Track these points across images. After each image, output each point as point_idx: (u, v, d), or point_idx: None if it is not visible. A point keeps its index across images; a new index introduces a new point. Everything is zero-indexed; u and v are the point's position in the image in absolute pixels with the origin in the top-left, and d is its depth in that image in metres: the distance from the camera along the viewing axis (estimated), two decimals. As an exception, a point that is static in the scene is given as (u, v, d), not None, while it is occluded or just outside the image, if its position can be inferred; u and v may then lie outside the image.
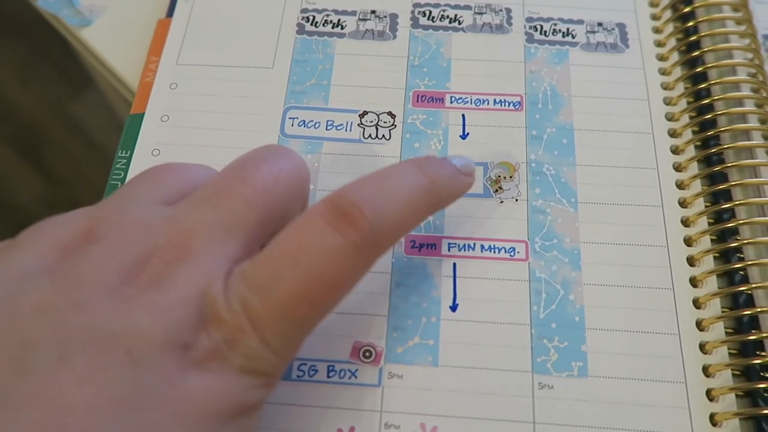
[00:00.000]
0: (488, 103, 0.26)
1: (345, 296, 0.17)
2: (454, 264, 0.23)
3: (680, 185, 0.24)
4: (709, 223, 0.24)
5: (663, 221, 0.24)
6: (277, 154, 0.19)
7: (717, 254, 0.23)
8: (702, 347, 0.21)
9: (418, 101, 0.27)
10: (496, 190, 0.24)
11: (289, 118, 0.26)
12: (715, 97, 0.25)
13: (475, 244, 0.23)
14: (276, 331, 0.15)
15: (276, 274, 0.15)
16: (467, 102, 0.27)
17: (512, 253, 0.23)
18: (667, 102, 0.26)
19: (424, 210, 0.19)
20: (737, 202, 0.23)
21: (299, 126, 0.26)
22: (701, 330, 0.22)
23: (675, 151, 0.25)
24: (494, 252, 0.23)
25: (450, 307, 0.22)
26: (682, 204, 0.24)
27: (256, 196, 0.17)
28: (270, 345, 0.15)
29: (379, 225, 0.16)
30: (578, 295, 0.22)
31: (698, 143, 0.25)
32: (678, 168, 0.25)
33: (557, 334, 0.22)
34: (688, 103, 0.26)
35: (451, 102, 0.27)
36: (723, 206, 0.23)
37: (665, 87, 0.27)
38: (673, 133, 0.26)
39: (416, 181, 0.18)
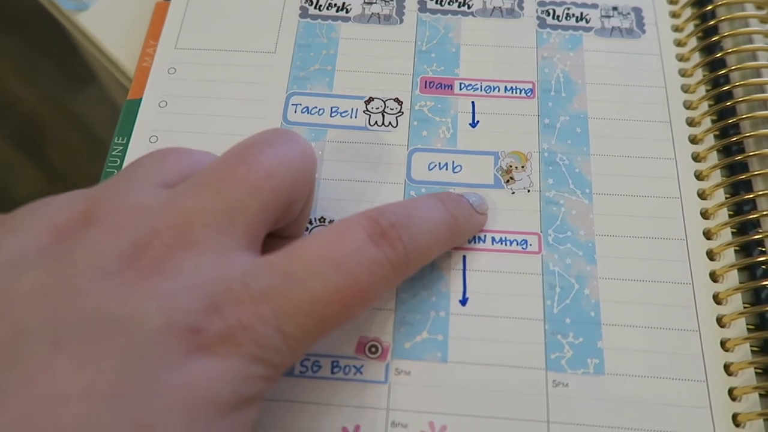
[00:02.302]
0: (499, 90, 0.25)
1: (367, 308, 0.17)
2: (464, 256, 0.22)
3: (699, 176, 0.23)
4: (730, 215, 0.23)
5: (681, 213, 0.23)
6: (283, 138, 0.18)
7: (738, 248, 0.22)
8: (723, 344, 0.21)
9: (426, 88, 0.26)
10: (508, 181, 0.24)
11: (292, 104, 0.25)
12: (735, 84, 0.24)
13: (485, 236, 0.22)
14: (298, 324, 0.15)
15: (315, 270, 0.15)
16: (477, 89, 0.26)
17: (524, 246, 0.22)
18: (685, 89, 0.25)
19: (445, 243, 0.20)
20: (759, 193, 0.22)
21: (302, 113, 0.25)
22: (722, 326, 0.21)
23: (693, 140, 0.24)
24: (505, 244, 0.22)
25: (460, 301, 0.21)
26: (701, 195, 0.23)
27: (260, 181, 0.17)
28: (287, 336, 0.15)
29: (411, 249, 0.17)
30: (593, 289, 0.21)
31: (717, 132, 0.24)
32: (697, 158, 0.24)
33: (572, 330, 0.21)
34: (707, 90, 0.25)
35: (461, 89, 0.26)
36: (744, 197, 0.22)
37: (683, 74, 0.26)
38: (691, 122, 0.25)
39: (442, 216, 0.20)
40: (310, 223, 0.23)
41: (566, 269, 0.22)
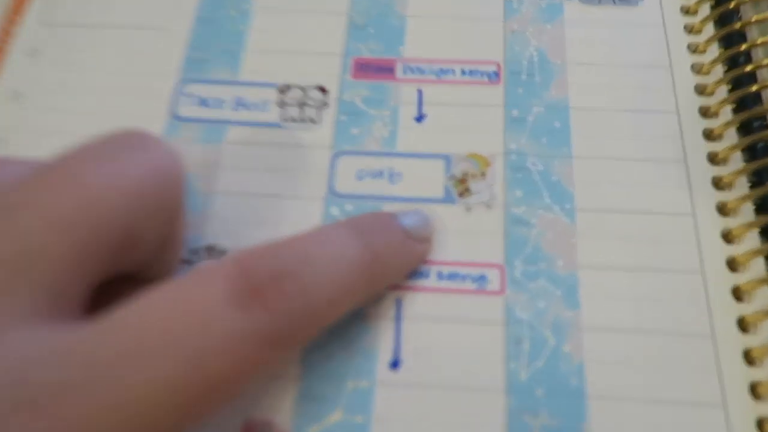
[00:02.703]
0: (454, 74, 0.20)
1: (233, 400, 0.12)
2: (398, 300, 0.16)
3: (719, 184, 0.17)
4: (762, 238, 0.17)
5: (696, 237, 0.17)
6: (124, 145, 0.13)
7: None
8: (760, 425, 0.15)
9: (359, 72, 0.20)
10: (462, 193, 0.18)
11: (185, 95, 0.19)
12: (761, 63, 0.18)
13: (429, 270, 0.17)
14: None
15: (138, 355, 0.11)
16: (425, 72, 0.20)
17: (482, 284, 0.16)
18: (697, 70, 0.19)
19: (360, 293, 0.15)
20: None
21: (198, 105, 0.19)
22: (757, 398, 0.15)
23: (709, 136, 0.18)
24: (456, 281, 0.16)
25: (390, 363, 0.15)
26: (722, 211, 0.17)
27: (76, 210, 0.12)
28: None
29: (301, 310, 0.13)
30: (576, 345, 0.16)
31: (740, 125, 0.18)
32: (714, 160, 0.18)
33: (546, 406, 0.15)
34: (726, 71, 0.19)
35: (405, 73, 0.20)
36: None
37: (694, 50, 0.20)
38: (706, 112, 0.19)
39: (355, 254, 0.14)
40: (188, 259, 0.17)
41: (538, 316, 0.16)
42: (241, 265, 0.12)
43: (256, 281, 0.12)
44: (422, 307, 0.16)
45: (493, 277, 0.16)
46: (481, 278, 0.16)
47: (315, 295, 0.13)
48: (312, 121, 0.19)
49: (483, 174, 0.18)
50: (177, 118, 0.19)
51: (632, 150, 0.18)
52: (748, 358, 0.15)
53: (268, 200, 0.18)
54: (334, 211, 0.18)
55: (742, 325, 0.16)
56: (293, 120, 0.19)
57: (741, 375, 0.15)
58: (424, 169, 0.18)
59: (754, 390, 0.15)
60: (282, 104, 0.19)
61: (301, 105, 0.19)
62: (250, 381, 0.12)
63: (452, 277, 0.16)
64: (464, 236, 0.17)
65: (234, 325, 0.12)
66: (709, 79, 0.19)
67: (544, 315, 0.16)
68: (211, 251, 0.17)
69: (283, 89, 0.19)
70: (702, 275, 0.16)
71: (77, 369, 0.10)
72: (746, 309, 0.16)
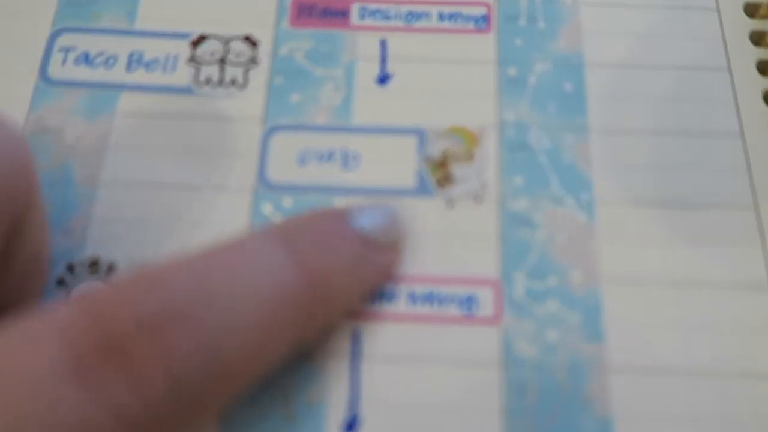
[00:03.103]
0: (429, 19, 0.15)
1: None
2: (355, 333, 0.12)
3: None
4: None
5: (760, 235, 0.12)
6: None
7: None
8: None
9: (300, 16, 0.15)
10: (442, 181, 0.13)
11: (59, 50, 0.14)
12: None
13: (396, 290, 0.12)
14: None
15: None
16: (391, 17, 0.15)
17: (469, 308, 0.12)
18: (751, 12, 0.15)
19: (293, 334, 0.10)
20: None
21: (77, 64, 0.14)
22: None
23: None
24: (434, 305, 0.12)
25: (344, 424, 0.11)
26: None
27: None
28: None
29: (194, 375, 0.08)
30: (601, 393, 0.11)
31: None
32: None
33: (561, 486, 0.11)
34: (784, 16, 0.15)
35: (363, 17, 0.15)
36: None
37: (744, -13, 0.15)
38: (765, 68, 0.14)
39: (284, 278, 0.10)
40: (62, 279, 0.12)
41: (547, 353, 0.12)
42: (94, 307, 0.08)
43: (115, 332, 0.08)
44: (388, 343, 0.11)
45: (485, 299, 0.12)
46: (469, 300, 0.12)
47: (218, 344, 0.08)
48: (236, 84, 0.14)
49: (470, 155, 0.13)
50: (48, 80, 0.14)
51: (671, 121, 0.13)
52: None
53: (175, 194, 0.13)
54: (267, 208, 0.13)
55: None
56: (210, 83, 0.14)
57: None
58: (389, 149, 0.13)
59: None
60: (195, 61, 0.14)
61: (222, 62, 0.14)
62: None
63: (429, 299, 0.12)
64: (445, 241, 0.12)
65: (76, 411, 0.07)
66: (767, 26, 0.15)
67: (554, 352, 0.11)
68: (95, 267, 0.12)
69: (197, 41, 0.14)
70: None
71: None
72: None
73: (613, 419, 0.11)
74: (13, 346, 0.08)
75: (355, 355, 0.11)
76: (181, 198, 0.13)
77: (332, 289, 0.10)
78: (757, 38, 0.14)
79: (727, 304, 0.12)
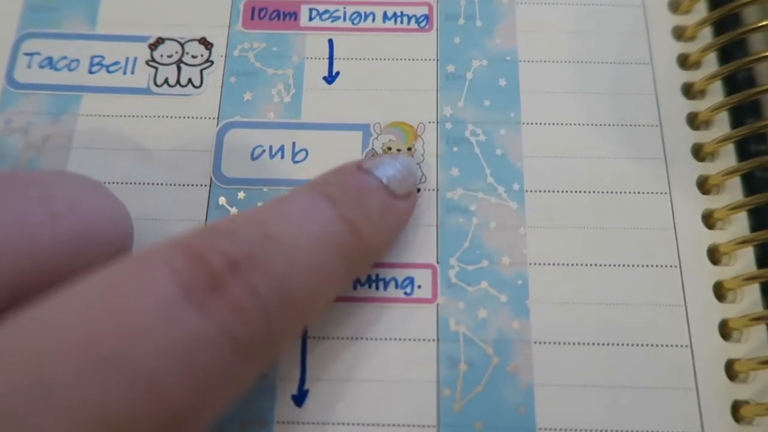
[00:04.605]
0: (374, 20, 0.15)
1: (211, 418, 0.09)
2: (301, 316, 0.13)
3: (700, 154, 0.14)
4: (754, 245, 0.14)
5: (672, 222, 0.14)
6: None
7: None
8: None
9: (253, 19, 0.15)
10: (384, 173, 0.14)
11: (25, 54, 0.15)
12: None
13: (340, 275, 0.13)
14: None
15: (59, 372, 0.08)
16: (338, 18, 0.15)
17: (409, 289, 0.13)
18: (674, 7, 0.16)
19: (342, 277, 0.12)
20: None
21: (42, 67, 0.15)
22: None
23: (689, 92, 0.15)
24: (375, 288, 0.13)
25: (293, 397, 0.12)
26: (703, 187, 0.14)
27: None
28: None
29: (275, 307, 0.09)
30: (524, 365, 0.12)
31: (728, 80, 0.15)
32: (696, 124, 0.15)
33: (486, 446, 0.12)
34: (710, 8, 0.16)
35: (311, 18, 0.15)
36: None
37: (670, -15, 0.16)
38: (685, 61, 0.15)
39: (332, 227, 0.11)
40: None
41: (478, 329, 0.13)
42: (189, 249, 0.09)
43: (213, 269, 0.09)
44: (333, 323, 0.13)
45: (424, 281, 0.13)
46: (408, 282, 0.13)
47: (290, 284, 0.10)
48: (192, 84, 0.15)
49: (410, 148, 0.14)
50: (14, 84, 0.15)
51: (598, 114, 0.14)
52: (726, 333, 0.12)
53: (136, 190, 0.14)
54: (222, 201, 0.14)
55: (728, 325, 0.13)
56: (168, 84, 0.15)
57: (728, 412, 0.12)
58: (336, 144, 0.14)
59: (735, 415, 0.12)
60: (153, 63, 0.15)
61: (179, 64, 0.15)
62: (218, 410, 0.09)
63: (371, 282, 0.13)
64: (386, 229, 0.13)
65: (189, 330, 0.08)
66: (690, 19, 0.15)
67: (485, 327, 0.13)
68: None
69: (155, 43, 0.15)
70: (679, 270, 0.13)
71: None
72: (735, 326, 0.13)
73: (534, 388, 0.12)
74: (127, 275, 0.09)
75: (303, 335, 0.13)
76: (142, 193, 0.14)
77: (368, 237, 0.11)
78: (679, 32, 0.15)
79: (639, 281, 0.13)
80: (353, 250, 0.11)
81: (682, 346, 0.12)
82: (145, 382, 0.08)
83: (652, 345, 0.12)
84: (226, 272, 0.09)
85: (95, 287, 0.09)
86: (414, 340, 0.13)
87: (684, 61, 0.15)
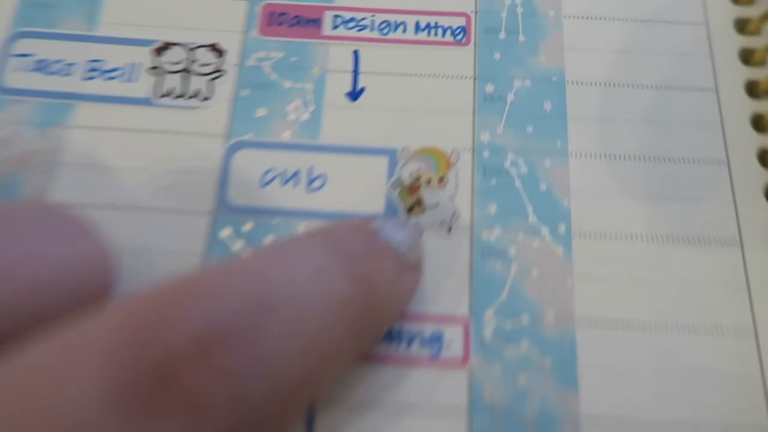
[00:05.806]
0: (404, 30, 0.14)
1: None
2: (310, 372, 0.11)
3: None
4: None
5: (745, 277, 0.12)
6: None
7: None
8: None
9: (270, 25, 0.14)
10: (412, 208, 0.12)
11: (17, 55, 0.13)
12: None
13: (357, 325, 0.11)
14: None
15: None
16: (365, 27, 0.14)
17: (437, 349, 0.11)
18: (742, 28, 0.14)
19: (349, 354, 0.09)
20: None
21: (35, 71, 0.13)
22: None
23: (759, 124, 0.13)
24: (398, 345, 0.11)
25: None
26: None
27: None
28: None
29: (258, 405, 0.07)
30: (571, 443, 0.11)
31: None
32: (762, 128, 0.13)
33: None
34: (785, 33, 0.14)
35: (335, 26, 0.14)
36: None
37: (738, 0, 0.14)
38: (754, 89, 0.13)
39: (342, 290, 0.09)
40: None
41: (518, 401, 0.11)
42: (137, 319, 0.07)
43: (167, 354, 0.07)
44: (344, 386, 0.11)
45: (454, 338, 0.11)
46: (436, 339, 0.11)
47: (281, 365, 0.07)
48: (199, 96, 0.13)
49: (441, 179, 0.12)
50: (2, 89, 0.13)
51: (657, 144, 0.13)
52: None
53: (125, 216, 0.12)
54: (225, 233, 0.12)
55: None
56: (172, 95, 0.13)
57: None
58: (358, 170, 0.12)
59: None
60: (157, 71, 0.13)
61: (185, 72, 0.13)
62: None
63: (393, 337, 0.11)
64: (412, 272, 0.12)
65: None
66: (760, 42, 0.14)
67: (524, 400, 0.11)
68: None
69: (160, 49, 0.14)
70: (756, 340, 0.11)
71: None
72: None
73: (582, 470, 0.10)
74: (51, 367, 0.07)
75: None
76: (134, 220, 0.12)
77: (380, 301, 0.09)
78: (746, 56, 0.13)
79: (706, 352, 0.11)
80: (363, 314, 0.09)
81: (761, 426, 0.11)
82: None
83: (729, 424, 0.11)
84: (187, 357, 0.07)
85: (15, 379, 0.07)
86: (444, 411, 0.11)
87: (753, 90, 0.13)
